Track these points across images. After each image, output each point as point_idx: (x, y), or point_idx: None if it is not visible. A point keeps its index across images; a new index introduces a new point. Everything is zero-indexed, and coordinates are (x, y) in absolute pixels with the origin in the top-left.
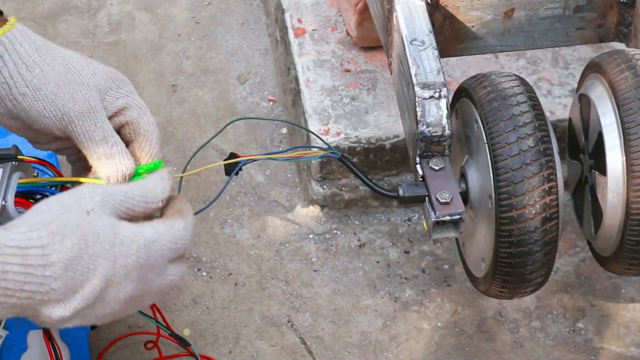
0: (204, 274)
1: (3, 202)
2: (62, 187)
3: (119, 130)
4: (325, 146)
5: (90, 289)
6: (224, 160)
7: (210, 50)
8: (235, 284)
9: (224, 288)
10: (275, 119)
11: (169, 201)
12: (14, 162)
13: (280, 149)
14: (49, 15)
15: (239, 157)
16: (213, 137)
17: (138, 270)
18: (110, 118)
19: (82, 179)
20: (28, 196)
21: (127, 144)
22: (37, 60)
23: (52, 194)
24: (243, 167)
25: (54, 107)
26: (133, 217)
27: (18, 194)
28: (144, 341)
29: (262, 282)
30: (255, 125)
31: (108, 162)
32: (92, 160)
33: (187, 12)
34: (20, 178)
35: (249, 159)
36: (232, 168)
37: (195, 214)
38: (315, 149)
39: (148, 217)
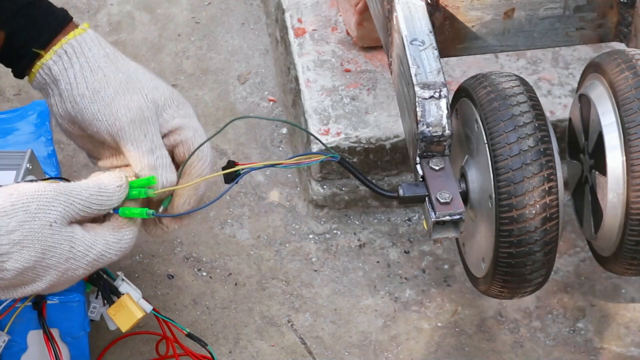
0: (204, 274)
1: None
2: None
3: (172, 149)
4: (324, 150)
5: (33, 289)
6: (222, 168)
7: (210, 50)
8: (235, 284)
9: (224, 288)
10: (276, 119)
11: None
12: (28, 166)
13: (281, 149)
14: None
15: (237, 165)
16: (213, 136)
17: (80, 277)
18: (165, 136)
19: None
20: None
21: (180, 163)
22: (102, 65)
23: None
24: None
25: (109, 111)
26: (86, 217)
27: None
28: (144, 341)
29: (262, 282)
30: (256, 125)
31: (151, 173)
32: (136, 170)
33: (187, 12)
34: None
35: (248, 168)
36: (231, 176)
37: (189, 212)
38: (314, 155)
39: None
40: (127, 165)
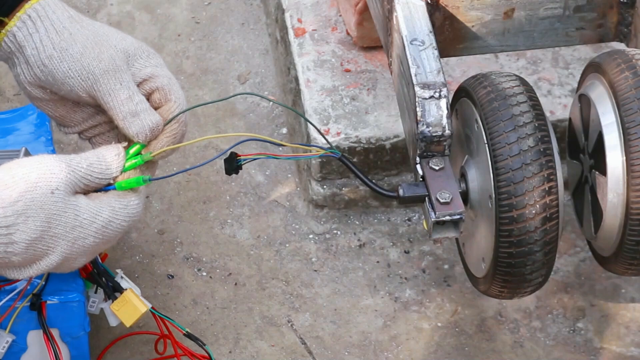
0: (204, 274)
1: None
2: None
3: (147, 97)
4: (325, 146)
5: (47, 263)
6: (225, 160)
7: (210, 50)
8: (235, 284)
9: (224, 288)
10: (281, 104)
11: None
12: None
13: (281, 149)
14: None
15: (239, 156)
16: (219, 101)
17: (93, 247)
18: (138, 85)
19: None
20: None
21: (156, 110)
22: (67, 25)
23: None
24: (243, 167)
25: (80, 66)
26: (88, 188)
27: None
28: (144, 341)
29: (262, 282)
30: (256, 125)
31: (134, 119)
32: (118, 121)
33: (187, 12)
34: None
35: (250, 158)
36: (232, 167)
37: (172, 175)
38: (316, 149)
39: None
40: (101, 127)
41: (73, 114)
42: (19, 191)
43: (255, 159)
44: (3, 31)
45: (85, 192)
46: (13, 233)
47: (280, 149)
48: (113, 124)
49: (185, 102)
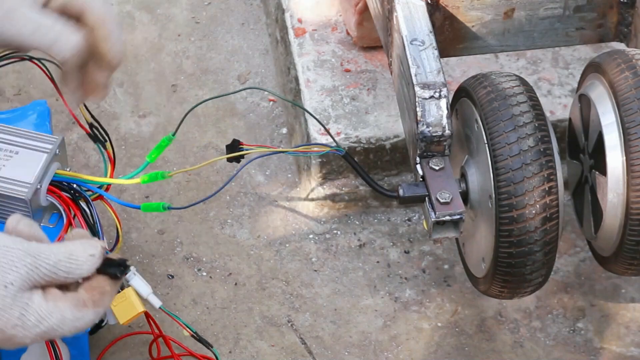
0: (204, 274)
1: (38, 186)
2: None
3: (62, 10)
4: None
5: None
6: (227, 146)
7: (210, 50)
8: (235, 284)
9: (224, 288)
10: (289, 100)
11: (94, 276)
12: (56, 152)
13: (281, 146)
14: None
15: (242, 144)
16: (225, 95)
17: (25, 344)
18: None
19: (117, 180)
20: (61, 188)
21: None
22: None
23: (87, 187)
24: (243, 168)
25: None
26: (50, 284)
27: (52, 183)
28: (144, 341)
29: (262, 282)
30: (255, 125)
31: (57, 41)
32: (45, 50)
33: (187, 12)
34: (58, 169)
35: (255, 153)
36: (233, 151)
37: (194, 204)
38: (320, 145)
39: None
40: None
41: None
42: None
43: (260, 157)
44: None
45: (47, 286)
46: None
47: (281, 147)
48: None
49: (114, 19)
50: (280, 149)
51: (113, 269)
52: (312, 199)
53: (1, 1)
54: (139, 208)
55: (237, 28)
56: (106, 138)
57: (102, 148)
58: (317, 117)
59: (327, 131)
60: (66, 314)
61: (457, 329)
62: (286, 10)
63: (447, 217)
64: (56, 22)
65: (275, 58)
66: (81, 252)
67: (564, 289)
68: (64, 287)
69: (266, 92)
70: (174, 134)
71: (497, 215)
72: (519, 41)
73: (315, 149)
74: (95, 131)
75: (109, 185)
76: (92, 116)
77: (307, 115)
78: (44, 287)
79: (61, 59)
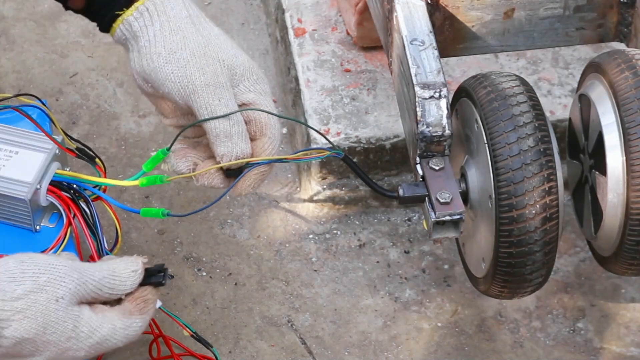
0: (204, 274)
1: (38, 186)
2: (101, 187)
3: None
4: (327, 146)
5: None
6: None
7: None
8: (235, 284)
9: (224, 288)
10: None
11: (136, 289)
12: (56, 152)
13: (281, 149)
14: (49, 15)
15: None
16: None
17: (82, 359)
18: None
19: (117, 182)
20: (61, 188)
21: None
22: (182, 26)
23: (86, 188)
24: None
25: (182, 73)
26: (95, 300)
27: (52, 183)
28: (144, 341)
29: (262, 282)
30: None
31: (225, 140)
32: (210, 137)
33: None
34: (58, 169)
35: (254, 163)
36: (234, 171)
37: (194, 212)
38: (319, 150)
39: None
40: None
41: (171, 110)
42: (24, 289)
43: (260, 164)
44: (120, 18)
45: (92, 302)
46: (5, 328)
47: (281, 147)
48: (198, 131)
49: (280, 137)
50: (280, 157)
51: (154, 278)
52: (312, 199)
53: (208, 69)
54: (138, 212)
55: (237, 28)
56: (94, 155)
57: (93, 166)
58: (318, 117)
59: (324, 135)
60: (116, 324)
61: (457, 329)
62: (286, 10)
63: (447, 217)
64: (242, 121)
65: (275, 58)
66: (123, 269)
67: (564, 289)
68: (107, 303)
69: None
70: (168, 149)
71: (497, 215)
72: (519, 41)
73: (314, 154)
74: (84, 152)
75: (106, 187)
76: (76, 140)
77: (307, 115)
78: (90, 303)
79: (221, 153)
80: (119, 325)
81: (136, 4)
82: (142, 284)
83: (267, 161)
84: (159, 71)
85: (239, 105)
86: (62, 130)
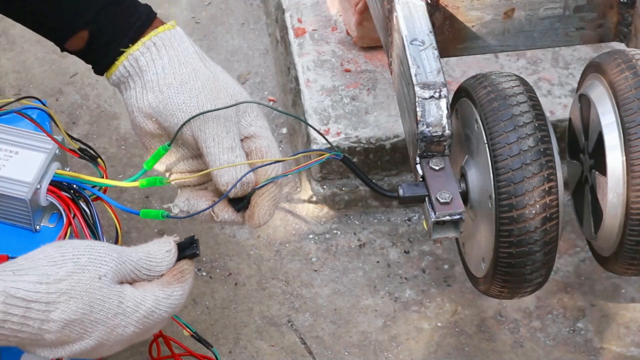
0: (204, 274)
1: (38, 186)
2: (101, 188)
3: (246, 156)
4: (326, 147)
5: (81, 347)
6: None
7: (210, 50)
8: (235, 284)
9: (224, 288)
10: (283, 112)
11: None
12: (56, 152)
13: (281, 149)
14: None
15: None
16: (221, 109)
17: (131, 337)
18: (241, 141)
19: (117, 183)
20: (61, 188)
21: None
22: (191, 60)
23: (86, 189)
24: None
25: (195, 102)
26: (133, 280)
27: (52, 183)
28: (144, 341)
29: (262, 282)
30: None
31: (229, 169)
32: (213, 166)
33: (187, 12)
34: (58, 169)
35: (262, 184)
36: (243, 203)
37: (193, 215)
38: (317, 152)
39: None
40: (186, 173)
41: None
42: (66, 270)
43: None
44: (123, 55)
45: (130, 283)
46: (52, 311)
47: (281, 148)
48: (199, 179)
49: (281, 168)
50: (281, 174)
51: (188, 251)
52: (312, 199)
53: (219, 101)
54: (138, 214)
55: (237, 28)
56: (96, 155)
57: (95, 166)
58: (318, 117)
59: (324, 136)
60: (158, 294)
61: (457, 329)
62: (286, 10)
63: (447, 217)
64: (244, 154)
65: (275, 58)
66: (157, 250)
67: (564, 289)
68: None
69: (266, 92)
70: (169, 144)
71: (497, 215)
72: (519, 41)
73: (314, 156)
74: (86, 152)
75: (106, 187)
76: (78, 140)
77: (307, 115)
78: (129, 283)
79: (224, 182)
80: (161, 296)
81: (142, 40)
82: (178, 259)
83: (270, 180)
84: (169, 101)
85: (243, 138)
86: (64, 130)
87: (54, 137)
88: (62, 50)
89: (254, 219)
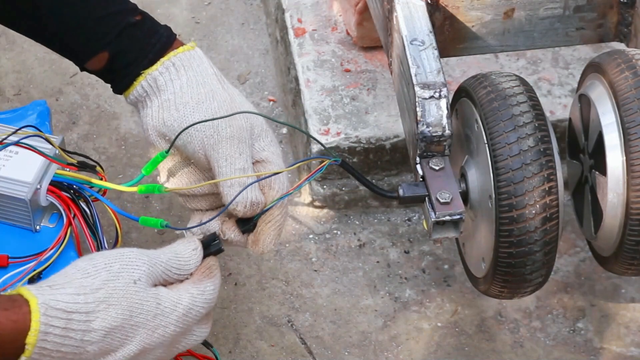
0: None
1: (38, 186)
2: (100, 189)
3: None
4: (324, 152)
5: (124, 354)
6: (237, 222)
7: (210, 50)
8: (235, 284)
9: (224, 288)
10: (278, 120)
11: None
12: (56, 152)
13: (281, 149)
14: None
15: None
16: (216, 119)
17: (172, 337)
18: (253, 164)
19: (115, 186)
20: (61, 188)
21: None
22: (209, 81)
23: (85, 190)
24: None
25: (210, 123)
26: (166, 282)
27: (52, 183)
28: None
29: (262, 282)
30: None
31: (240, 189)
32: (224, 187)
33: (187, 12)
34: (58, 169)
35: (267, 207)
36: (249, 225)
37: (192, 227)
38: (318, 160)
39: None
40: (199, 200)
41: (177, 172)
42: (101, 279)
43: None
44: (142, 75)
45: (164, 285)
46: (92, 320)
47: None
48: (210, 202)
49: (286, 185)
50: (285, 193)
51: (212, 247)
52: (312, 199)
53: (234, 123)
54: (137, 220)
55: (237, 28)
56: (94, 164)
57: (95, 174)
58: (318, 117)
59: (321, 143)
60: (192, 291)
61: (457, 329)
62: (286, 10)
63: (447, 217)
64: (255, 177)
65: (275, 58)
66: (184, 250)
67: (564, 289)
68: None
69: (266, 92)
70: (167, 151)
71: (497, 215)
72: (519, 41)
73: (314, 163)
74: (84, 162)
75: (105, 190)
76: (74, 152)
77: (307, 115)
78: (162, 285)
79: (235, 201)
80: (196, 292)
81: (162, 60)
82: (203, 256)
83: (277, 201)
84: (184, 121)
85: (254, 162)
86: (59, 147)
87: (53, 137)
88: (82, 70)
89: (258, 246)
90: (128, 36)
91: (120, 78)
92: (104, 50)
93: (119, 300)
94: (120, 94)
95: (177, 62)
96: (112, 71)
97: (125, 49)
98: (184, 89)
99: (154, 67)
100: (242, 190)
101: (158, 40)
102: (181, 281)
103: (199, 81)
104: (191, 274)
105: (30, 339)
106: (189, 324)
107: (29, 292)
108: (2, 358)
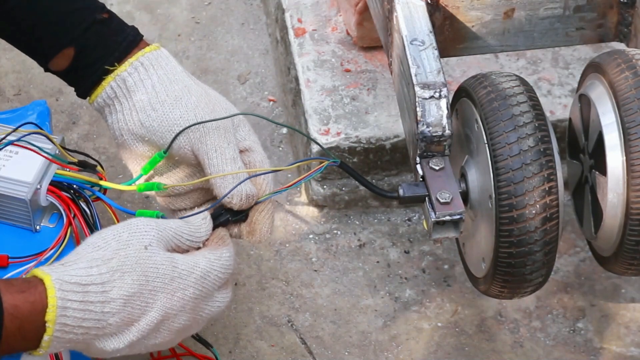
0: None
1: (38, 186)
2: (100, 188)
3: None
4: (323, 155)
5: (147, 322)
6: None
7: (210, 50)
8: (235, 284)
9: None
10: (277, 122)
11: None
12: (56, 152)
13: (281, 149)
14: None
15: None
16: (218, 119)
17: (193, 301)
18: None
19: (115, 185)
20: (61, 188)
21: None
22: (181, 78)
23: (86, 190)
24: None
25: (193, 115)
26: (179, 250)
27: (52, 183)
28: None
29: (262, 282)
30: (255, 125)
31: (234, 181)
32: (217, 179)
33: (187, 12)
34: (58, 169)
35: (261, 200)
36: (241, 215)
37: (188, 216)
38: (317, 161)
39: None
40: (185, 199)
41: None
42: (112, 249)
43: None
44: (110, 76)
45: (176, 251)
46: (109, 290)
47: (280, 148)
48: (195, 199)
49: (272, 184)
50: (281, 188)
51: (221, 218)
52: (312, 199)
53: (216, 113)
54: (134, 214)
55: (237, 28)
56: (95, 164)
57: (95, 174)
58: (318, 117)
59: (320, 144)
60: (209, 256)
61: (457, 329)
62: (286, 10)
63: (447, 217)
64: (244, 166)
65: (275, 58)
66: (193, 219)
67: (564, 289)
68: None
69: (266, 92)
70: (165, 152)
71: (497, 215)
72: (519, 41)
73: (314, 163)
74: (85, 161)
75: (105, 189)
76: (75, 151)
77: (307, 115)
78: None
79: (230, 194)
80: (212, 257)
81: (129, 60)
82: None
83: (271, 195)
84: (164, 118)
85: (239, 151)
86: (60, 146)
87: (54, 137)
88: (46, 70)
89: (255, 236)
90: (94, 32)
91: (86, 76)
92: (69, 46)
93: (133, 267)
94: (85, 97)
95: (146, 62)
96: (78, 69)
97: (91, 45)
98: (156, 87)
99: (122, 67)
100: (239, 184)
101: (125, 39)
102: (196, 249)
103: (171, 78)
104: (204, 244)
105: (50, 315)
106: (209, 288)
107: (42, 271)
108: (25, 342)
